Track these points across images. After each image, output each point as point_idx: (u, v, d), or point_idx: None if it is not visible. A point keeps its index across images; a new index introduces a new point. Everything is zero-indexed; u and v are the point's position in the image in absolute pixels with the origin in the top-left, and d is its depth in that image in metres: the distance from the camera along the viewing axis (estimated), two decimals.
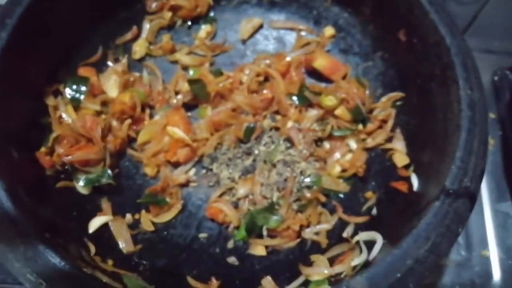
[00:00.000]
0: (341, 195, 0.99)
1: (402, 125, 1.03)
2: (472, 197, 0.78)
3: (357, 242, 0.90)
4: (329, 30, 1.14)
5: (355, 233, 0.94)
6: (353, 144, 1.03)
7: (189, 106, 1.08)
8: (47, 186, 0.95)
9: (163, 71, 1.11)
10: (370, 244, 0.87)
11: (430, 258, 0.73)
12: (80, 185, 0.95)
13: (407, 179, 0.95)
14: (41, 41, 0.97)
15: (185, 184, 1.02)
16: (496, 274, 1.12)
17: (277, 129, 1.05)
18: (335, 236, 0.96)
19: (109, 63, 1.10)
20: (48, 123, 0.98)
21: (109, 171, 0.95)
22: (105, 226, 0.95)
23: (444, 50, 0.87)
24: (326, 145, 1.04)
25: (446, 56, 0.87)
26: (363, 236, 0.90)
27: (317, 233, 0.96)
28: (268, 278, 0.90)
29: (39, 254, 0.75)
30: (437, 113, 0.90)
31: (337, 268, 0.87)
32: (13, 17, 0.90)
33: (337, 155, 1.02)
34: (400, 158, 0.99)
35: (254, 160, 1.02)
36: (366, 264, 0.84)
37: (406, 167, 0.97)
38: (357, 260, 0.86)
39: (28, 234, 0.77)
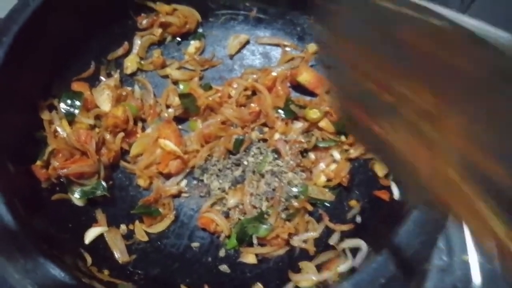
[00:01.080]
0: (327, 204, 1.03)
1: None
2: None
3: (343, 249, 0.94)
4: (312, 47, 1.18)
5: (340, 240, 0.98)
6: (337, 155, 1.07)
7: (180, 119, 1.11)
8: (43, 198, 0.97)
9: (154, 86, 1.15)
10: (355, 251, 0.91)
11: (412, 263, 0.77)
12: (76, 197, 0.98)
13: (389, 188, 0.99)
14: (36, 58, 0.99)
15: (177, 195, 1.05)
16: (477, 279, 1.16)
17: (264, 140, 1.09)
18: (322, 243, 1.00)
19: (102, 78, 1.13)
20: (43, 137, 1.00)
21: (104, 183, 0.98)
22: (100, 237, 0.98)
23: None
24: (312, 156, 1.08)
25: None
26: (348, 243, 0.94)
27: (305, 241, 0.99)
28: (259, 285, 0.93)
29: (39, 266, 0.77)
30: None
31: (325, 275, 0.90)
32: (9, 35, 0.92)
33: (322, 165, 1.06)
34: (380, 167, 1.03)
35: (243, 171, 1.06)
36: (351, 270, 0.87)
37: (387, 176, 1.01)
38: (343, 266, 0.90)
39: (28, 246, 0.79)
